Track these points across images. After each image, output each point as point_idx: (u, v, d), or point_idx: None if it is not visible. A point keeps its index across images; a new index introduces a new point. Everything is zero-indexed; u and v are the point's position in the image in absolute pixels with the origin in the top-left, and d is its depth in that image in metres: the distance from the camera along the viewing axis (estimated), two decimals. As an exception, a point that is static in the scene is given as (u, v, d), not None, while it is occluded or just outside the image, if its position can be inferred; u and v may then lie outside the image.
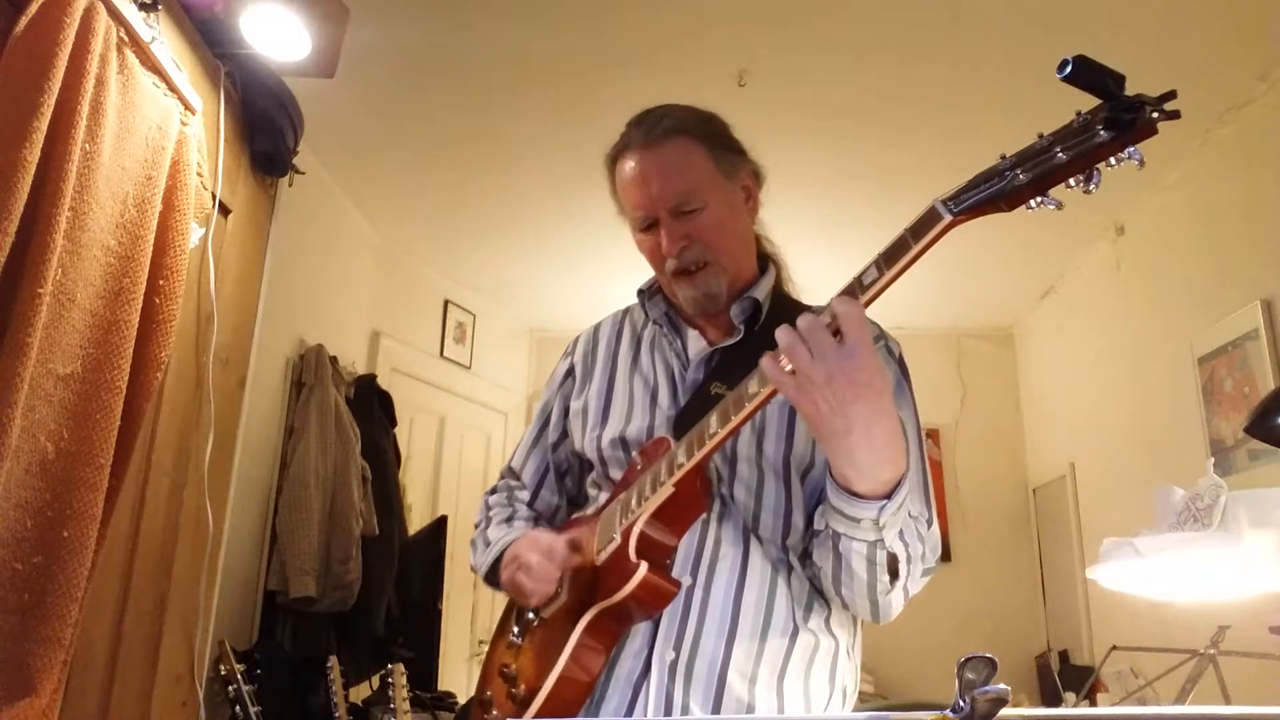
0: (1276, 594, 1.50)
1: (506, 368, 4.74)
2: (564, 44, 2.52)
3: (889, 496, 0.96)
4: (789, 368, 0.91)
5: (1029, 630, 4.29)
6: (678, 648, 1.09)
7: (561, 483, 1.40)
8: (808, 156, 3.06)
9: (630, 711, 1.09)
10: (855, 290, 0.91)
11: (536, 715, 1.06)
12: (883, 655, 4.15)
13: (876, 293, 0.90)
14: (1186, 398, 2.89)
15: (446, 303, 4.29)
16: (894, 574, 1.02)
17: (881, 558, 1.00)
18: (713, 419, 1.02)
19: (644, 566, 1.05)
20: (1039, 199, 0.83)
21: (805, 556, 1.15)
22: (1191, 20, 2.31)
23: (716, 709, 1.07)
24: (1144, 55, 2.43)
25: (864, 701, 3.86)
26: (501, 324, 4.70)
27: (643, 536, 1.08)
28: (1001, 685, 0.56)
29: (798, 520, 1.15)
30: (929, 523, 1.12)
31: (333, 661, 2.42)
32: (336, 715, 2.37)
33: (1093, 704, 2.92)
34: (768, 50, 2.51)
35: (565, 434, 1.36)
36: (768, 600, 1.12)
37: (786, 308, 1.25)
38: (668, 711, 1.07)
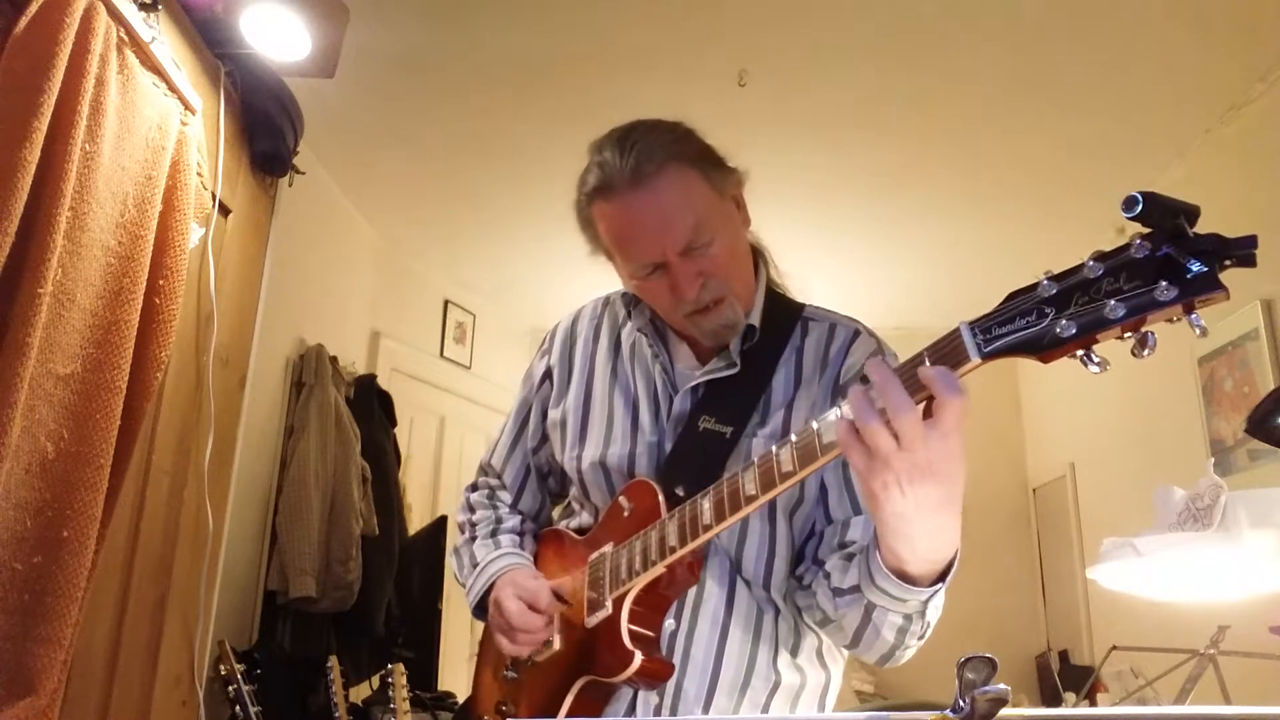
0: (1276, 594, 1.50)
1: (506, 368, 4.73)
2: (564, 44, 2.51)
3: (942, 578, 0.90)
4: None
5: (1029, 630, 4.29)
6: (661, 693, 1.09)
7: (544, 483, 1.38)
8: (807, 156, 3.05)
9: None
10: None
11: None
12: (883, 655, 4.15)
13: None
14: (1186, 398, 2.89)
15: (446, 303, 4.28)
16: (922, 636, 1.00)
17: (917, 626, 0.97)
18: (706, 508, 0.97)
19: (639, 658, 1.03)
20: (1081, 353, 0.72)
21: (790, 595, 1.13)
22: (1191, 20, 2.31)
23: None
24: (1144, 55, 2.43)
25: (864, 701, 3.86)
26: (501, 324, 4.70)
27: (634, 613, 1.07)
28: (1001, 685, 0.56)
29: (780, 563, 1.12)
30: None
31: (333, 661, 2.42)
32: (336, 715, 2.37)
33: (1093, 704, 2.92)
34: (768, 50, 2.51)
35: (545, 438, 1.34)
36: (752, 644, 1.11)
37: (778, 315, 1.20)
38: None
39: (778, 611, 1.12)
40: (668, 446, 1.15)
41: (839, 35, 2.45)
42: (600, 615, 1.09)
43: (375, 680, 2.81)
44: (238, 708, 2.11)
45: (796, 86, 2.68)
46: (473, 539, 1.33)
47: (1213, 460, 1.91)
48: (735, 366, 1.14)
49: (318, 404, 2.87)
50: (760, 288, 1.20)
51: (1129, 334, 0.70)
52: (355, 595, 2.78)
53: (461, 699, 3.19)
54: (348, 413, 3.00)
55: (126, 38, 1.56)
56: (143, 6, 1.62)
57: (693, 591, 1.11)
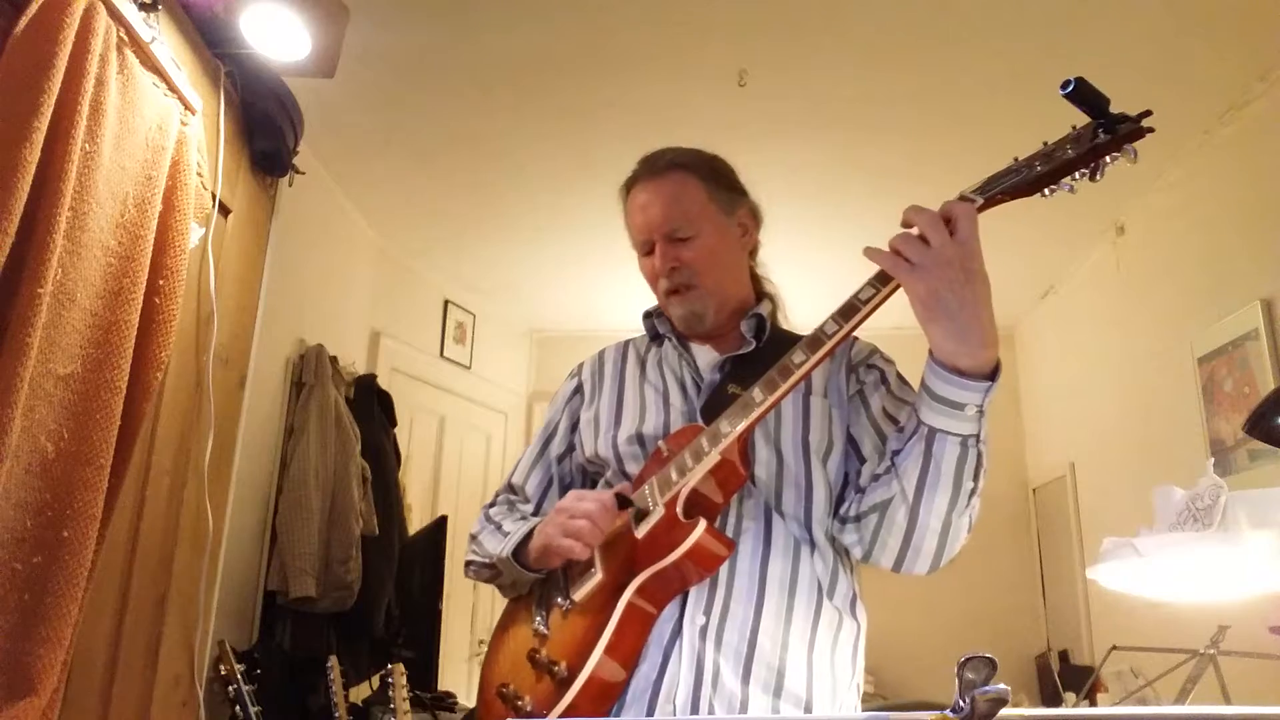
0: (1276, 594, 1.50)
1: (506, 368, 4.74)
2: (564, 44, 2.51)
3: (991, 379, 1.02)
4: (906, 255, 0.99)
5: (1029, 630, 4.29)
6: (708, 613, 1.13)
7: (564, 495, 1.39)
8: (807, 156, 3.06)
9: (663, 675, 1.11)
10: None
11: (583, 689, 1.05)
12: (883, 655, 4.15)
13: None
14: (1186, 398, 2.89)
15: (446, 303, 4.29)
16: (976, 480, 1.08)
17: (972, 458, 1.07)
18: (755, 391, 1.08)
19: (703, 523, 1.07)
20: (1053, 187, 1.00)
21: (832, 535, 1.20)
22: (1191, 20, 2.31)
23: (747, 673, 1.10)
24: (1144, 55, 2.43)
25: (864, 702, 3.86)
26: (501, 324, 4.70)
27: (689, 501, 1.11)
28: (1001, 685, 0.56)
29: (819, 499, 1.20)
30: None
31: (333, 661, 2.42)
32: (336, 715, 2.37)
33: (1093, 704, 2.92)
34: (768, 50, 2.51)
35: (571, 447, 1.40)
36: (793, 570, 1.16)
37: (784, 332, 1.34)
38: (699, 674, 1.10)
39: (814, 546, 1.18)
40: (699, 410, 1.26)
41: (839, 35, 2.45)
42: (652, 521, 1.12)
43: (375, 680, 2.81)
44: (238, 708, 2.11)
45: (796, 86, 2.68)
46: (499, 528, 1.33)
47: (1213, 460, 1.91)
48: (751, 345, 1.29)
49: (318, 404, 2.87)
50: (766, 303, 1.37)
51: (1083, 171, 0.99)
52: (355, 595, 2.78)
53: (461, 699, 3.19)
54: (348, 413, 3.00)
55: (126, 38, 1.56)
56: (143, 6, 1.62)
57: (731, 524, 1.17)
